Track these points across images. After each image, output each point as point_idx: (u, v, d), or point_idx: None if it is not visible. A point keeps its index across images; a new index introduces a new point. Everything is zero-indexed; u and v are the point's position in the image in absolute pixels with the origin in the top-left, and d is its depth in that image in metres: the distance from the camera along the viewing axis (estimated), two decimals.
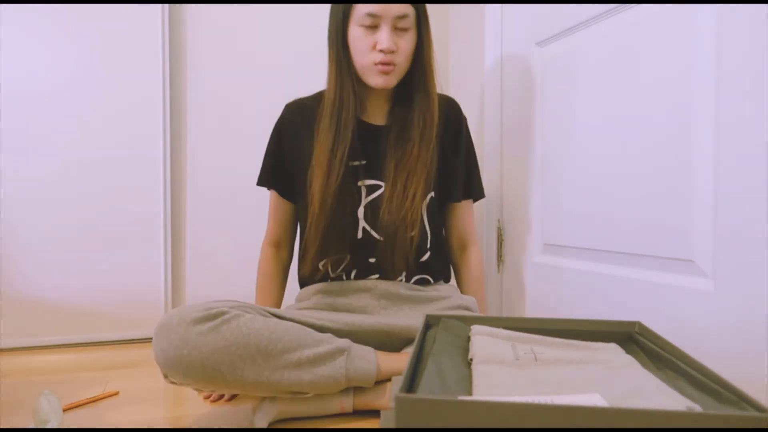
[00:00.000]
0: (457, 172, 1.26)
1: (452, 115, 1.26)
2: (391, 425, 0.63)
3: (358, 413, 1.01)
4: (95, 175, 1.57)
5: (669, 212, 1.00)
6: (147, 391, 1.14)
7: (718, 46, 0.90)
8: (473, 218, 1.33)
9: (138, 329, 1.60)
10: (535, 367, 0.55)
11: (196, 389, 0.94)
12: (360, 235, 1.14)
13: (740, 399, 0.46)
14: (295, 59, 1.73)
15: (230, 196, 1.70)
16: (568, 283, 1.28)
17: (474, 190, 1.30)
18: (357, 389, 1.00)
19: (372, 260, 1.15)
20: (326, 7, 1.77)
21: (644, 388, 0.49)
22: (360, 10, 1.09)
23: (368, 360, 0.99)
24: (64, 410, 1.01)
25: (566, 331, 0.70)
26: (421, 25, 1.14)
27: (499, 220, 1.56)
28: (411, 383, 0.52)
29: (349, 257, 1.14)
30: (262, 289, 1.27)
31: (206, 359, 0.87)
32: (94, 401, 1.08)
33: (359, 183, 1.15)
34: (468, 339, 0.66)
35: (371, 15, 1.08)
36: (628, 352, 0.61)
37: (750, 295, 0.85)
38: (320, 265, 1.14)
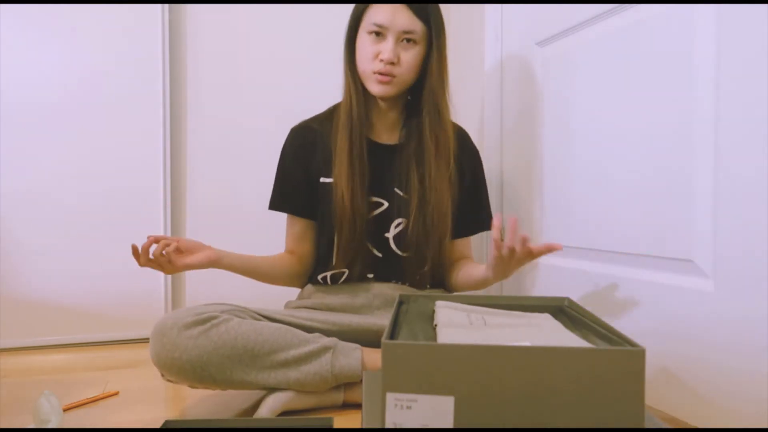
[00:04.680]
0: (473, 206, 1.27)
1: (468, 148, 1.27)
2: (372, 380, 0.78)
3: (348, 406, 1.04)
4: (95, 175, 1.56)
5: (669, 212, 1.00)
6: (147, 391, 1.14)
7: (718, 45, 0.90)
8: (470, 243, 1.34)
9: (138, 329, 1.60)
10: (484, 329, 0.71)
11: (191, 386, 0.99)
12: None
13: (627, 342, 0.63)
14: (295, 59, 1.73)
15: (230, 195, 1.70)
16: (567, 283, 1.28)
17: (484, 224, 1.29)
18: (347, 384, 1.05)
19: (370, 275, 1.19)
20: (326, 7, 1.78)
21: (561, 338, 0.67)
22: (369, 18, 1.11)
23: (353, 357, 1.02)
24: (64, 410, 1.01)
25: (511, 305, 0.86)
26: (433, 40, 1.13)
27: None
28: (392, 337, 0.67)
29: (348, 272, 1.18)
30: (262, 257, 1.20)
31: (195, 361, 0.94)
32: (94, 401, 1.08)
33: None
34: (433, 311, 0.81)
35: (378, 25, 1.10)
36: (557, 319, 0.77)
37: (750, 295, 0.85)
38: (319, 278, 1.20)
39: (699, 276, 0.94)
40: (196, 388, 1.00)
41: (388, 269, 1.19)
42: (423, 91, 1.16)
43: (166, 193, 1.62)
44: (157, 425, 0.93)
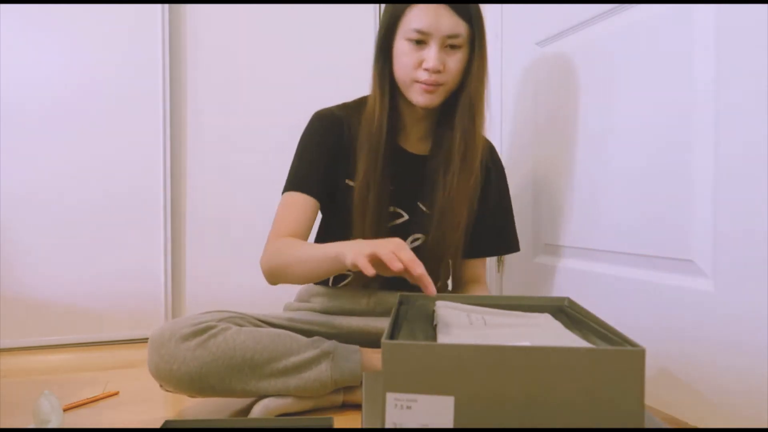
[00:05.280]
0: (495, 226, 1.20)
1: (495, 162, 1.20)
2: (372, 381, 0.79)
3: (348, 406, 1.03)
4: (95, 175, 1.56)
5: (669, 212, 1.00)
6: (147, 391, 1.14)
7: (718, 46, 0.90)
8: (485, 265, 1.28)
9: (138, 329, 1.60)
10: (484, 329, 0.72)
11: (191, 396, 0.98)
12: None
13: (627, 342, 0.63)
14: (296, 59, 1.73)
15: (230, 194, 1.70)
16: (568, 283, 1.28)
17: (509, 245, 1.24)
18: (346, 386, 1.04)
19: (375, 285, 1.16)
20: (328, 7, 1.77)
21: (561, 338, 0.67)
22: (408, 23, 1.01)
23: (353, 360, 1.01)
24: (65, 410, 1.01)
25: (511, 305, 0.86)
26: (475, 43, 1.04)
27: None
28: (392, 337, 0.67)
29: (352, 275, 1.15)
30: (297, 244, 1.01)
31: (194, 373, 0.93)
32: (94, 401, 1.08)
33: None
34: (433, 311, 0.81)
35: (419, 31, 0.99)
36: (557, 319, 0.77)
37: (750, 295, 0.85)
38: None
39: (699, 276, 0.94)
40: (196, 397, 0.99)
41: (395, 282, 1.13)
42: (460, 97, 1.07)
43: (166, 194, 1.62)
44: (157, 425, 0.93)
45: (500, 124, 1.55)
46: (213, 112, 1.68)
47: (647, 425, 0.63)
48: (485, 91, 1.08)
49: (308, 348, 1.00)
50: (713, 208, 0.91)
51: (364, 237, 1.07)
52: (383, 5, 1.76)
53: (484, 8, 1.58)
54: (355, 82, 1.77)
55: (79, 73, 1.55)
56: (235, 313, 1.05)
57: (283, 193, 1.10)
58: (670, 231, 0.99)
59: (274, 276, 1.01)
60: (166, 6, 1.60)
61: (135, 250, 1.60)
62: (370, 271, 0.77)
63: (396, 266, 0.76)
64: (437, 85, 1.02)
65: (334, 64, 1.74)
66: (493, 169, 1.19)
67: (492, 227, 1.19)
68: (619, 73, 1.11)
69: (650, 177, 1.04)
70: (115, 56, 1.57)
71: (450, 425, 0.58)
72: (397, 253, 0.77)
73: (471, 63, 1.05)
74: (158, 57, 1.60)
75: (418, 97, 1.04)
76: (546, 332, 0.70)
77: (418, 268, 0.77)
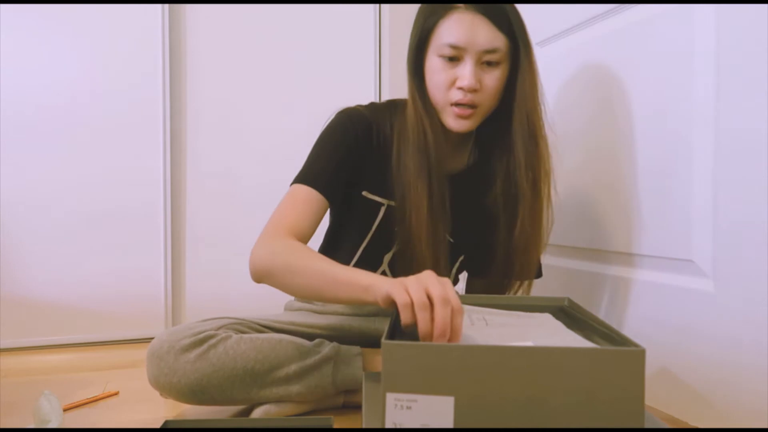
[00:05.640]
0: None
1: None
2: (372, 381, 0.78)
3: (349, 407, 1.03)
4: (95, 177, 1.56)
5: (669, 212, 1.00)
6: (147, 391, 1.13)
7: (718, 46, 0.90)
8: None
9: (138, 329, 1.60)
10: (486, 329, 0.73)
11: (192, 404, 0.98)
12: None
13: (627, 342, 0.63)
14: (298, 60, 1.73)
15: (230, 196, 1.70)
16: (568, 283, 1.28)
17: (538, 271, 1.16)
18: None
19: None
20: (330, 7, 1.77)
21: (562, 338, 0.67)
22: (440, 38, 0.92)
23: (355, 365, 1.00)
24: (65, 410, 1.01)
25: (511, 305, 0.87)
26: (520, 56, 0.95)
27: None
28: (392, 338, 0.67)
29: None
30: (311, 253, 0.90)
31: (195, 385, 0.91)
32: (94, 401, 1.08)
33: (397, 228, 1.04)
34: None
35: (453, 46, 0.91)
36: (558, 319, 0.77)
37: (750, 295, 0.85)
38: None
39: (699, 276, 0.94)
40: (197, 405, 0.98)
41: None
42: (513, 119, 0.98)
43: (166, 195, 1.62)
44: (157, 425, 0.93)
45: None
46: (213, 116, 1.68)
47: (647, 425, 0.63)
48: (543, 110, 1.00)
49: (310, 354, 0.98)
50: (713, 209, 0.91)
51: (439, 271, 0.94)
52: (383, 5, 1.78)
53: None
54: (356, 83, 1.79)
55: (79, 76, 1.54)
56: (235, 318, 1.03)
57: (291, 185, 0.99)
58: (670, 231, 0.99)
59: (267, 276, 0.91)
60: (166, 6, 1.60)
61: (135, 251, 1.60)
62: (408, 318, 0.67)
63: (443, 335, 0.66)
64: (473, 106, 0.94)
65: (335, 65, 1.74)
66: None
67: None
68: (618, 73, 1.11)
69: (650, 177, 1.04)
70: (115, 59, 1.57)
71: (450, 425, 0.58)
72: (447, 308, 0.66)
73: (517, 79, 0.96)
74: (158, 59, 1.60)
75: (452, 122, 0.97)
76: (547, 332, 0.70)
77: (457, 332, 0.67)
